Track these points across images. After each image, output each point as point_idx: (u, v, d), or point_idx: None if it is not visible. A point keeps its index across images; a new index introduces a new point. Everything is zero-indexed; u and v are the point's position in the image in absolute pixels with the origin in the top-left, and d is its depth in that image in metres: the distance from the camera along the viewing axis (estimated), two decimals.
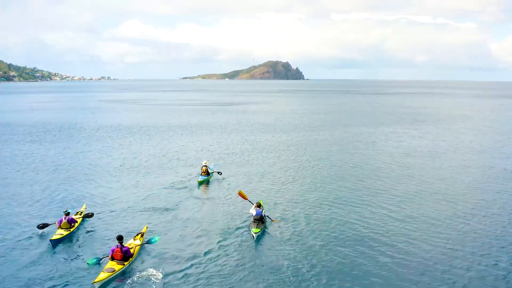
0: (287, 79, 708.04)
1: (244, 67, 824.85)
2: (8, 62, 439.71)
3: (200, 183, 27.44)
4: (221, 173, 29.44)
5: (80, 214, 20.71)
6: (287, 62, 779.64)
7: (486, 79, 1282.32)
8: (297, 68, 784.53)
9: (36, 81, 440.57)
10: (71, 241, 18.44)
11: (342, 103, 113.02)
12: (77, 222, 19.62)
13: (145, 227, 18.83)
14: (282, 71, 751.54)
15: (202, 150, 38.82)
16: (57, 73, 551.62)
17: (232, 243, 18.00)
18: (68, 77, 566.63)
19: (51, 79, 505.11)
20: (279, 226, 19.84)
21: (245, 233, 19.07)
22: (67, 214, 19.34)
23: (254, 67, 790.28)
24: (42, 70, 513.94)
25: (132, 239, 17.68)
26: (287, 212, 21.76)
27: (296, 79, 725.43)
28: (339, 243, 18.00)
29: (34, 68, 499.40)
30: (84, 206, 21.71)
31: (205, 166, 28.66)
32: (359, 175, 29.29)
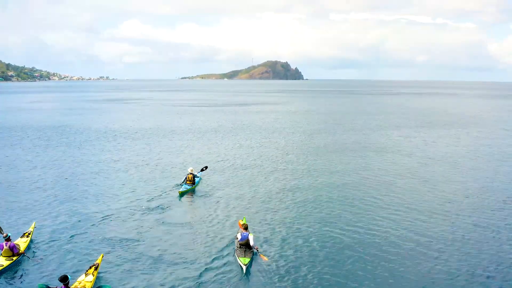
0: (286, 79, 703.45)
1: (244, 67, 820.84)
2: (8, 62, 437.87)
3: (182, 194, 23.60)
4: (206, 168, 27.85)
5: (28, 236, 16.80)
6: (286, 62, 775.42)
7: (485, 79, 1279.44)
8: (296, 68, 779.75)
9: (35, 81, 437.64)
10: (13, 274, 14.55)
11: (344, 104, 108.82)
12: (21, 248, 15.73)
13: (101, 256, 14.87)
14: (281, 71, 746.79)
15: (191, 156, 34.53)
16: (56, 73, 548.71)
17: (214, 279, 14.06)
18: (67, 77, 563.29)
19: (49, 79, 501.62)
20: (275, 255, 15.92)
21: (231, 263, 15.14)
22: (8, 239, 15.45)
23: (253, 67, 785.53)
24: (40, 70, 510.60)
25: (84, 275, 13.73)
26: (284, 237, 17.71)
27: (295, 79, 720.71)
28: (350, 279, 14.12)
29: (33, 68, 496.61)
30: (33, 225, 17.67)
31: (191, 174, 25.01)
32: (369, 190, 24.88)
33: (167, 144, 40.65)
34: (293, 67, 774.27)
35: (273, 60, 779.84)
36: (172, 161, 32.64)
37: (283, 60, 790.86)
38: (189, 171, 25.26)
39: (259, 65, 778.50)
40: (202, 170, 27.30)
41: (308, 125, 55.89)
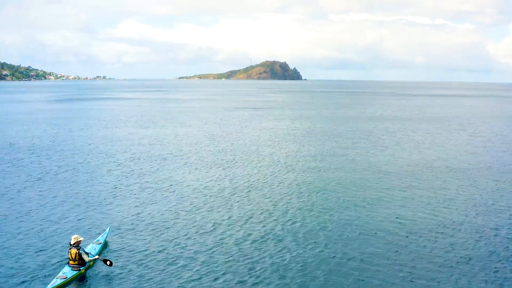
0: (285, 79, 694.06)
1: (242, 67, 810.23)
2: (4, 61, 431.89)
3: None
4: (111, 264, 14.22)
5: None
6: (285, 62, 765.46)
7: (484, 81, 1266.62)
8: (294, 68, 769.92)
9: (30, 80, 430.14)
10: None
11: (350, 106, 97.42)
12: None
13: None
14: (279, 71, 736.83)
15: (107, 210, 20.44)
16: (52, 73, 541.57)
17: None
18: (63, 76, 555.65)
19: (45, 78, 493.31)
20: None
21: None
22: None
23: (251, 67, 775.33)
24: (36, 69, 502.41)
25: None
26: None
27: (293, 79, 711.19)
28: None
29: (29, 67, 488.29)
30: None
31: (76, 247, 14.09)
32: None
33: (82, 183, 25.12)
34: (291, 67, 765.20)
35: (271, 60, 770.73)
36: (69, 218, 19.87)
37: (281, 60, 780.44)
38: (73, 240, 14.21)
39: (257, 65, 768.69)
40: (106, 262, 14.35)
41: (316, 145, 41.14)
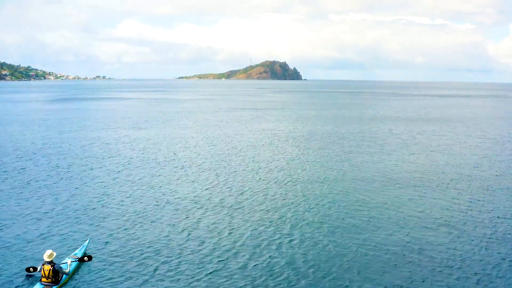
0: (285, 79, 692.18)
1: (241, 67, 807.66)
2: (6, 62, 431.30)
3: None
4: (90, 258, 14.01)
5: None
6: (285, 62, 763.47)
7: (484, 81, 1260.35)
8: (294, 68, 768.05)
9: (30, 80, 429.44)
10: None
11: (355, 109, 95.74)
12: None
13: None
14: (279, 71, 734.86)
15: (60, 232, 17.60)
16: (52, 72, 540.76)
17: None
18: (63, 76, 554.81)
19: (45, 78, 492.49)
20: None
21: None
22: None
23: (251, 67, 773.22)
24: (36, 69, 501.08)
25: None
26: None
27: (293, 79, 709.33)
28: None
29: (28, 67, 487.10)
30: None
31: (50, 262, 12.90)
32: None
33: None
34: (291, 67, 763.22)
35: (271, 60, 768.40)
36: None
37: (281, 60, 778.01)
38: (46, 258, 13.01)
39: (257, 65, 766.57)
40: (85, 259, 14.13)
41: (319, 149, 39.03)
